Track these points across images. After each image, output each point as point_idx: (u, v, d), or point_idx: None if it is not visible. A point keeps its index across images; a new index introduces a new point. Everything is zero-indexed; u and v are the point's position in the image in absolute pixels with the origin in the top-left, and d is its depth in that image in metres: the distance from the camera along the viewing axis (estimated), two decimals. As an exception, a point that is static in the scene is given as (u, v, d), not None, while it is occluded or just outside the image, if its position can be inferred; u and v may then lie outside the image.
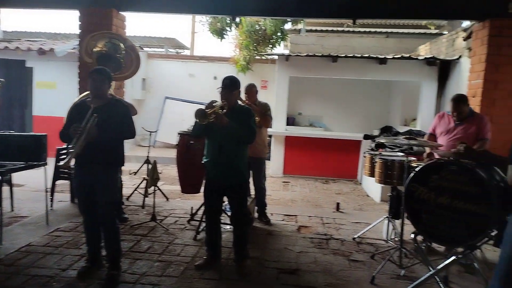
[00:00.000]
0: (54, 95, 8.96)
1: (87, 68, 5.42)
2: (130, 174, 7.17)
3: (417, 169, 3.46)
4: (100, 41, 4.53)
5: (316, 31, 11.96)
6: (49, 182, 4.85)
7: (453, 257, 3.00)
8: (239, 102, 3.85)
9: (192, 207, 4.80)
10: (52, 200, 5.06)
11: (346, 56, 7.94)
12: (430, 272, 3.05)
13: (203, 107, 3.23)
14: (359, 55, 8.04)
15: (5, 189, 4.55)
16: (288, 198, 6.37)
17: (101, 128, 3.06)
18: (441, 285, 3.05)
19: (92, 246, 3.39)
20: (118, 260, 3.32)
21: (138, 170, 6.99)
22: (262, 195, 4.99)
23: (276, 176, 8.06)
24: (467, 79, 5.69)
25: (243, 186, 3.53)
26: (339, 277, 3.45)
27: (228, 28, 10.58)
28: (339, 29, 11.99)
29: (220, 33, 10.56)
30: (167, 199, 5.71)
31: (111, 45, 4.45)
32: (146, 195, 5.32)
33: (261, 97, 5.06)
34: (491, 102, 5.09)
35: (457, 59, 7.16)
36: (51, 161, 4.79)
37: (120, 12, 5.73)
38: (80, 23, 5.57)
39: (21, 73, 9.17)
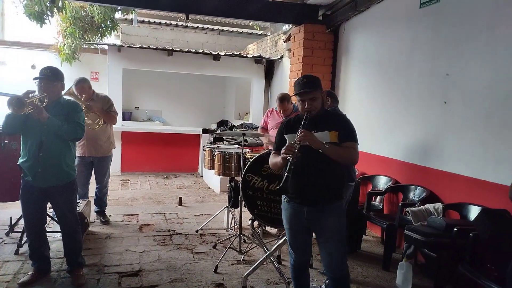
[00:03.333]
0: None
1: None
2: None
3: (251, 160, 3.76)
4: None
5: (149, 22, 11.63)
6: None
7: (284, 238, 3.36)
8: (69, 97, 3.50)
9: (11, 217, 4.13)
10: None
11: (181, 51, 7.98)
12: (266, 254, 3.36)
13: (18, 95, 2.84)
14: (193, 50, 8.17)
15: None
16: (128, 197, 6.09)
17: None
18: (275, 264, 3.39)
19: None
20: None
21: None
22: (104, 194, 4.76)
23: (114, 174, 7.56)
24: (288, 77, 6.40)
25: (68, 187, 3.16)
26: (184, 271, 3.49)
27: (49, 12, 9.33)
28: (173, 22, 11.92)
29: (39, 17, 9.23)
30: (-24, 211, 4.79)
31: None
32: None
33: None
34: (308, 98, 5.84)
35: (280, 58, 7.99)
36: None
37: None
38: None
39: None
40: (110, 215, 4.82)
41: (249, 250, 3.91)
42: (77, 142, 4.42)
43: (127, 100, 9.24)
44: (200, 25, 11.85)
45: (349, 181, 3.47)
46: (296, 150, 2.28)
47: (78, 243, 3.31)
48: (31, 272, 3.20)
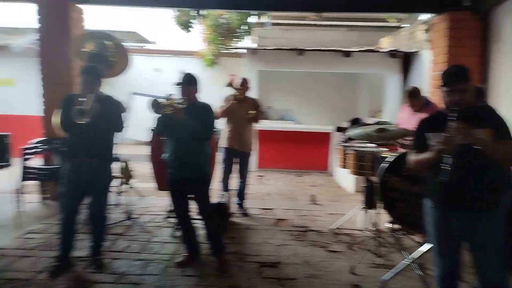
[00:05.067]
0: (14, 92, 8.51)
1: (50, 64, 5.24)
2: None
3: (389, 159, 3.61)
4: (87, 42, 4.39)
5: (281, 24, 12.02)
6: (16, 183, 4.62)
7: (428, 245, 3.14)
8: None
9: (169, 204, 4.73)
10: (20, 201, 4.83)
11: (312, 49, 8.06)
12: (407, 260, 3.18)
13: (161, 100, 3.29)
14: (324, 48, 8.17)
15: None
16: (263, 191, 6.42)
17: (96, 120, 3.15)
18: (418, 271, 3.18)
19: (66, 245, 3.36)
20: (102, 247, 3.53)
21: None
22: (244, 188, 5.10)
23: (251, 170, 8.06)
24: (428, 71, 5.92)
25: (202, 180, 3.51)
26: (319, 268, 3.53)
27: (194, 21, 10.45)
28: (304, 22, 12.11)
29: (185, 25, 10.41)
30: (142, 197, 5.60)
31: (99, 44, 4.31)
32: (120, 193, 5.19)
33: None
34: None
35: (418, 51, 7.44)
36: (16, 162, 4.59)
37: (77, 5, 5.47)
38: (39, 16, 5.28)
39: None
40: (248, 208, 5.14)
41: (388, 254, 3.76)
42: (224, 134, 4.89)
43: (261, 99, 9.69)
44: (331, 23, 11.77)
45: (507, 185, 3.07)
46: (453, 143, 2.10)
47: (217, 230, 3.60)
48: (185, 254, 3.61)
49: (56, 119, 3.34)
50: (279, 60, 8.25)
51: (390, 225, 3.51)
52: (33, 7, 5.27)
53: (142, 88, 10.28)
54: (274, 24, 11.84)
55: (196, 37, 10.55)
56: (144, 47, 14.30)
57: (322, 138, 8.14)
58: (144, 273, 3.34)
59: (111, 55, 4.40)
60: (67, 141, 3.41)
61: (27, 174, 4.87)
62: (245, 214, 4.98)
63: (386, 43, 9.50)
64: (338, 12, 9.59)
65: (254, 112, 4.81)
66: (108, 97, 3.44)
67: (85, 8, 5.68)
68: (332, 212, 5.21)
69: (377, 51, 8.24)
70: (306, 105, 10.57)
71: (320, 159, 8.19)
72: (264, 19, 11.53)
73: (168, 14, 10.56)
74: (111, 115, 3.35)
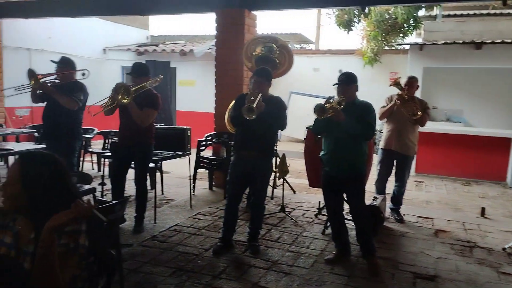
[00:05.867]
0: (194, 92, 9.92)
1: (224, 67, 5.87)
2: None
3: None
4: (257, 46, 4.88)
5: (454, 15, 10.81)
6: (192, 171, 5.37)
7: None
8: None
9: (320, 201, 4.80)
10: (194, 186, 5.60)
11: (493, 42, 7.05)
12: None
13: (322, 102, 3.29)
14: (510, 41, 7.05)
15: (157, 175, 5.22)
16: (422, 198, 5.94)
17: (263, 118, 3.39)
18: None
19: (229, 229, 3.75)
20: (258, 234, 3.82)
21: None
22: (401, 194, 4.82)
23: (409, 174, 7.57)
24: None
25: (357, 180, 3.45)
26: (486, 290, 3.12)
27: (355, 20, 10.29)
28: (483, 12, 10.64)
29: (347, 25, 10.33)
30: (294, 191, 5.82)
31: (266, 47, 4.73)
32: (274, 186, 5.52)
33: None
34: None
35: None
36: (193, 152, 5.32)
37: (251, 12, 5.90)
38: (216, 24, 5.91)
39: (167, 73, 10.34)
40: (404, 214, 4.84)
41: None
42: (384, 133, 4.71)
43: (424, 99, 8.96)
44: (519, 10, 10.05)
45: None
46: None
47: (367, 231, 3.50)
48: (334, 252, 3.61)
49: (227, 115, 3.74)
50: (450, 55, 7.51)
51: None
52: (213, 16, 5.97)
53: (302, 88, 10.68)
54: (444, 16, 10.74)
55: (356, 35, 10.36)
56: (305, 48, 14.79)
57: (500, 144, 7.03)
58: (294, 265, 3.47)
59: (277, 57, 4.71)
60: (235, 135, 3.80)
61: (200, 163, 5.63)
62: (400, 221, 4.69)
63: None
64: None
65: (417, 113, 4.49)
66: (274, 97, 3.68)
67: (258, 14, 6.07)
68: (507, 230, 4.50)
69: None
70: (479, 105, 9.28)
71: (496, 168, 7.09)
72: (434, 11, 10.58)
73: (329, 15, 10.63)
74: (276, 113, 3.56)
